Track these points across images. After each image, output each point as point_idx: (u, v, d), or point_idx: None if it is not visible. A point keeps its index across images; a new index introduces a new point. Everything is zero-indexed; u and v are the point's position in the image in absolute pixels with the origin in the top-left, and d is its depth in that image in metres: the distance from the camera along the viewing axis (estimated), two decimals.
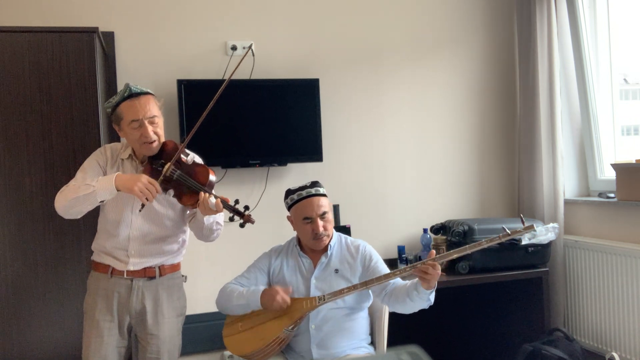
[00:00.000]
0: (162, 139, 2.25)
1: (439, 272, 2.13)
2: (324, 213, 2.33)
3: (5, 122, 2.51)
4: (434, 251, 2.23)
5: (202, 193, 2.12)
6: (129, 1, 3.19)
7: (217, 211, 2.13)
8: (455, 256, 2.23)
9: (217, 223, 2.27)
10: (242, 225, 2.17)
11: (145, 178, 2.08)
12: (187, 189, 2.17)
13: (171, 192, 2.20)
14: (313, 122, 3.33)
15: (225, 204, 2.14)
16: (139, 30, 3.20)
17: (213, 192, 2.19)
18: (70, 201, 2.10)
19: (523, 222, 2.22)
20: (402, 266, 3.41)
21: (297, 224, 2.37)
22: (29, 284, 2.53)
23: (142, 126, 2.16)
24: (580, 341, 3.21)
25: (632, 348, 2.95)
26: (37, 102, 2.54)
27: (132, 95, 2.18)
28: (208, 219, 2.21)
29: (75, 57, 2.57)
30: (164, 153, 2.23)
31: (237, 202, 2.19)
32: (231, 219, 2.17)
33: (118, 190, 2.09)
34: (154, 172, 2.19)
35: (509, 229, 2.19)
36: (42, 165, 2.54)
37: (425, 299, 2.21)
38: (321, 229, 2.31)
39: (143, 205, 2.11)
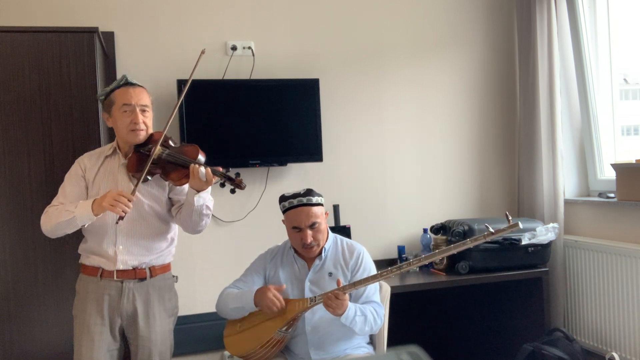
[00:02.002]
0: (150, 131, 2.29)
1: (342, 300, 2.12)
2: (314, 223, 2.28)
3: (5, 122, 2.51)
4: (340, 279, 2.21)
5: (191, 165, 2.15)
6: (129, 1, 3.20)
7: (207, 182, 2.14)
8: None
9: (207, 207, 2.24)
10: (232, 191, 2.20)
11: (111, 193, 2.11)
12: (176, 165, 2.20)
13: (158, 173, 2.22)
14: (313, 122, 3.32)
15: (215, 171, 2.16)
16: (139, 30, 3.20)
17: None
18: (54, 226, 2.19)
19: (508, 220, 2.17)
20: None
21: (288, 230, 2.36)
22: (29, 284, 2.52)
23: (134, 112, 2.22)
24: (580, 341, 3.21)
25: (632, 348, 2.95)
26: (37, 102, 2.54)
27: (128, 83, 2.27)
28: (198, 201, 2.17)
29: (75, 57, 2.57)
30: (151, 141, 2.27)
31: (227, 170, 2.21)
32: (222, 185, 2.19)
33: (96, 215, 2.13)
34: (141, 158, 2.22)
35: (493, 228, 2.17)
36: (42, 165, 2.54)
37: (346, 324, 2.18)
38: (310, 239, 2.28)
39: (121, 218, 2.12)
